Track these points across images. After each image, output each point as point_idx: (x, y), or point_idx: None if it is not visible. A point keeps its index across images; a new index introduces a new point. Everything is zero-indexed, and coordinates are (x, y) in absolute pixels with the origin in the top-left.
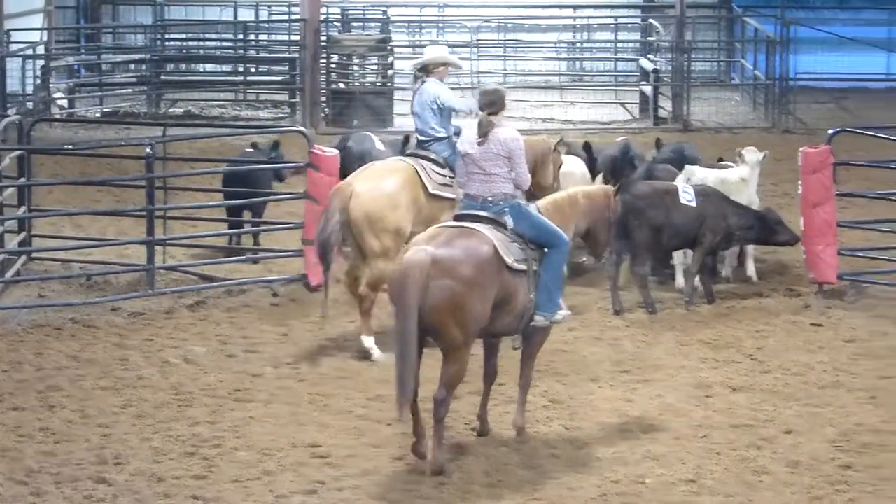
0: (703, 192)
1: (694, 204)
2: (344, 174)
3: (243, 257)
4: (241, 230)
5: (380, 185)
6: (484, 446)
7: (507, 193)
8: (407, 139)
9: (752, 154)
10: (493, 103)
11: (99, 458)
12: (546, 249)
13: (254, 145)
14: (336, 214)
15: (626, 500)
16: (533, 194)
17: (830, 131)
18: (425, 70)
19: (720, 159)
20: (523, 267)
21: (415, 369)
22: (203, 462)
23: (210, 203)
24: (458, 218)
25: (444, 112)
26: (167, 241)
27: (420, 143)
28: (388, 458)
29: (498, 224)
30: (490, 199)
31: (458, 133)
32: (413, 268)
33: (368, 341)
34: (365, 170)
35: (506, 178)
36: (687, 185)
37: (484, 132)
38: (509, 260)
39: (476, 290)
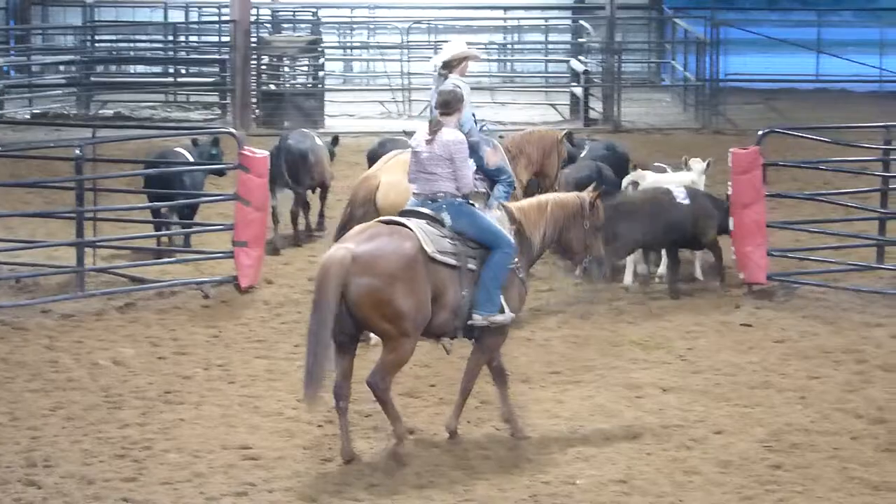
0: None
1: (688, 202)
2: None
3: (173, 259)
4: (171, 232)
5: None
6: (415, 447)
7: (447, 192)
8: (336, 139)
9: (697, 164)
10: (446, 104)
11: (28, 460)
12: (491, 250)
13: (193, 142)
14: (361, 205)
15: (556, 501)
16: (538, 183)
17: (760, 132)
18: (448, 66)
19: (635, 166)
20: (452, 261)
21: (325, 365)
22: (133, 464)
23: (140, 205)
24: (401, 214)
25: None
26: (97, 243)
27: None
28: (319, 459)
29: (435, 221)
30: (431, 197)
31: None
32: (332, 265)
33: None
34: (388, 161)
35: (447, 178)
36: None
37: (433, 131)
38: (430, 249)
39: (399, 284)
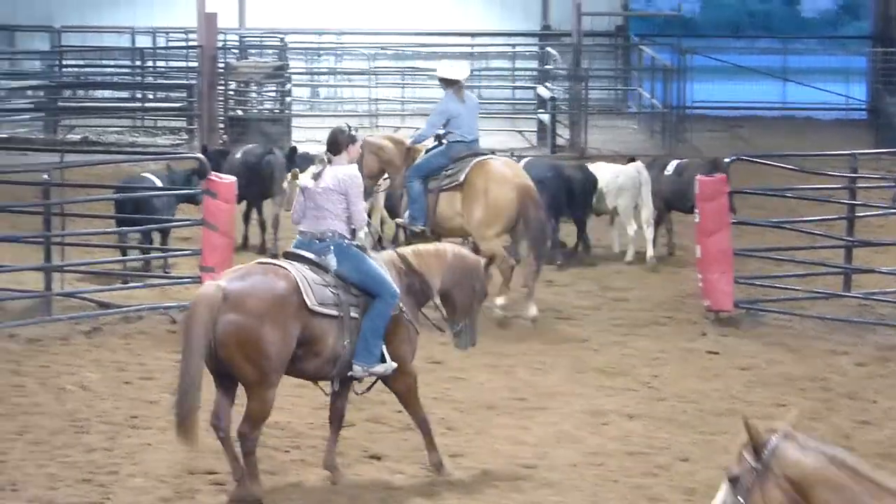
0: None
1: None
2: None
3: (140, 284)
4: (137, 257)
5: None
6: (378, 473)
7: (335, 231)
8: (293, 150)
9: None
10: (334, 143)
11: None
12: (373, 298)
13: (168, 168)
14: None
15: None
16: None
17: (726, 160)
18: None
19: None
20: (332, 312)
21: (194, 402)
22: (99, 489)
23: (107, 230)
24: (285, 256)
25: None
26: (64, 268)
27: (471, 144)
28: (284, 484)
29: (319, 267)
30: (318, 236)
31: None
32: (200, 303)
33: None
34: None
35: (337, 215)
36: None
37: (319, 171)
38: (311, 301)
39: (267, 326)
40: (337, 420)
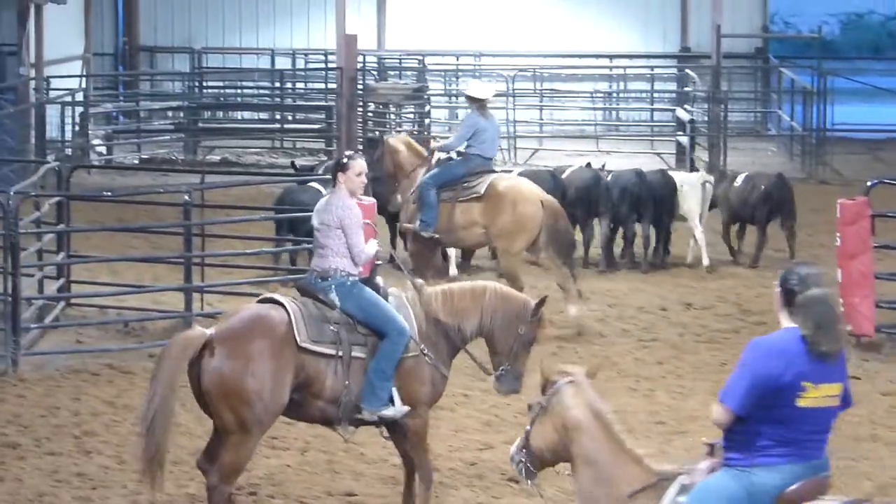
0: None
1: None
2: None
3: None
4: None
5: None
6: (516, 495)
7: (338, 269)
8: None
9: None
10: (331, 175)
11: None
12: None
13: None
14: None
15: None
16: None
17: (868, 183)
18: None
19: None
20: (328, 350)
21: (161, 445)
22: None
23: (247, 251)
24: (297, 289)
25: None
26: (204, 289)
27: (488, 161)
28: None
29: (323, 303)
30: (321, 274)
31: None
32: (173, 346)
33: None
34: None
35: (338, 251)
36: None
37: (325, 201)
38: (301, 338)
39: (251, 373)
40: (409, 464)
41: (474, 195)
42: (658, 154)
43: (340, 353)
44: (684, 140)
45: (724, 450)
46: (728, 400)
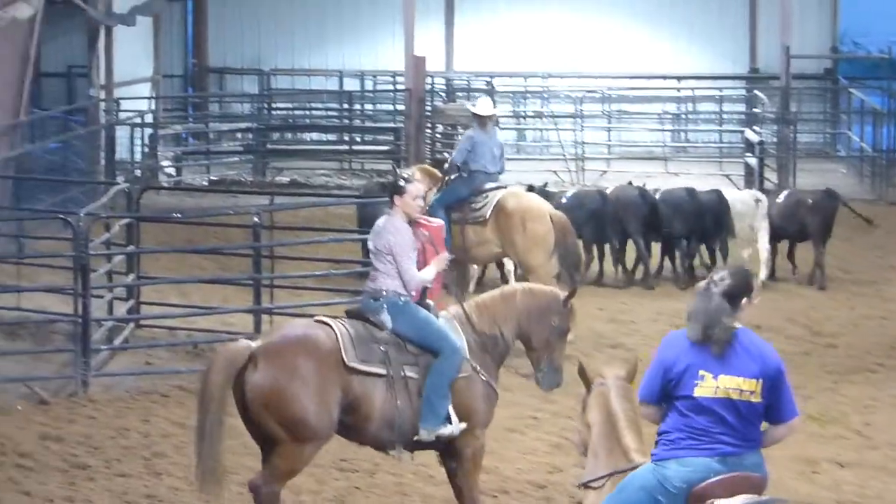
0: None
1: None
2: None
3: None
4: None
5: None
6: None
7: (389, 289)
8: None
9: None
10: (388, 193)
11: None
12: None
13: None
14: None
15: None
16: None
17: None
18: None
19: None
20: (377, 370)
21: (215, 462)
22: None
23: (316, 272)
24: (346, 313)
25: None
26: (273, 311)
27: (492, 175)
28: None
29: (373, 324)
30: (373, 295)
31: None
32: (219, 359)
33: None
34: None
35: (390, 274)
36: None
37: (380, 225)
38: (348, 357)
39: (296, 386)
40: (459, 494)
41: (481, 218)
42: (727, 176)
43: (391, 373)
44: (753, 161)
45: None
46: (639, 391)
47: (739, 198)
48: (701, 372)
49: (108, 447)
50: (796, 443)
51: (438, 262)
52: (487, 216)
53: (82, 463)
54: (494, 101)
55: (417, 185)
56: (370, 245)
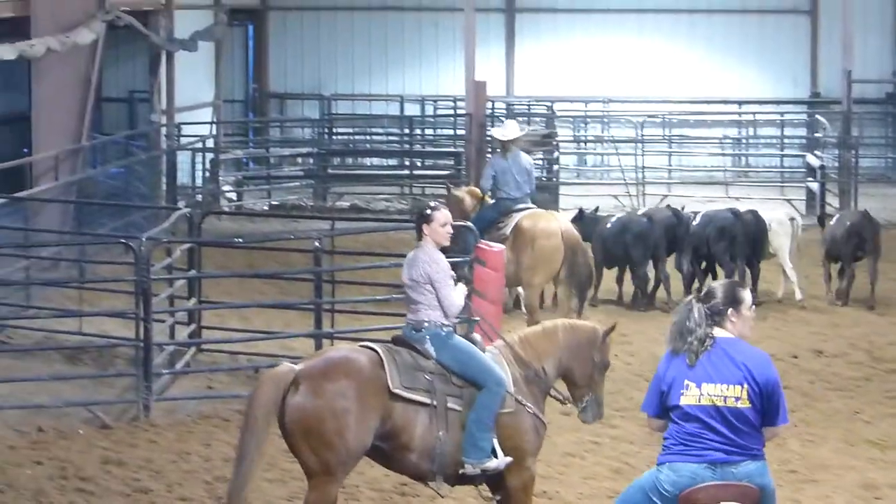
0: None
1: None
2: None
3: None
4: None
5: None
6: None
7: (431, 320)
8: (581, 212)
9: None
10: (415, 223)
11: None
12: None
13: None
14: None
15: None
16: None
17: None
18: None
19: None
20: (421, 398)
21: (246, 483)
22: None
23: (377, 297)
24: (392, 340)
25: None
26: (334, 335)
27: (518, 200)
28: None
29: (419, 352)
30: (415, 326)
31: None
32: (266, 382)
33: None
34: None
35: (430, 304)
36: None
37: (413, 256)
38: (393, 384)
39: (335, 412)
40: None
41: (503, 237)
42: (788, 200)
43: (434, 403)
44: (814, 186)
45: None
46: (643, 405)
47: (776, 217)
48: (686, 382)
49: (170, 471)
50: (858, 468)
51: (458, 294)
52: (508, 233)
53: (144, 487)
54: (554, 126)
55: (444, 211)
56: (404, 277)
